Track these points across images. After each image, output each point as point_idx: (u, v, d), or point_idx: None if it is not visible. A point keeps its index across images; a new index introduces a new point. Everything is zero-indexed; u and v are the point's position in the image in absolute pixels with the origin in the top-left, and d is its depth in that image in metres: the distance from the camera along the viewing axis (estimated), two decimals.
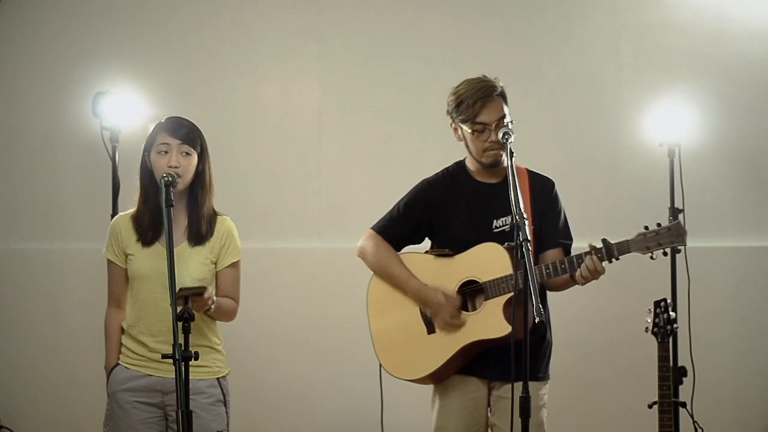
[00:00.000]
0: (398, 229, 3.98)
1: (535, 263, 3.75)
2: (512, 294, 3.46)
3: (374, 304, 4.02)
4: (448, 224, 3.90)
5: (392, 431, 4.51)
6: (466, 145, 3.88)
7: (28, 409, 5.69)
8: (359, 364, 5.66)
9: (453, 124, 3.89)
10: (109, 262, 3.73)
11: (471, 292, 3.83)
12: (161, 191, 3.50)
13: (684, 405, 4.98)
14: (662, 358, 4.41)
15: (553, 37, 5.80)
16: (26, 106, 5.80)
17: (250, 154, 5.80)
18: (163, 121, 3.69)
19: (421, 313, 3.89)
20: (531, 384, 3.74)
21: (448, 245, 3.88)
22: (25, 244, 5.77)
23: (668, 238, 3.64)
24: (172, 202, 3.42)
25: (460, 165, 3.98)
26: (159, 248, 3.65)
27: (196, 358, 3.35)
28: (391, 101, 5.80)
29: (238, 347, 5.55)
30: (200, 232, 3.65)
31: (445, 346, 3.81)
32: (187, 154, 3.63)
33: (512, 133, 3.65)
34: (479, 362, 3.82)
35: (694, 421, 5.05)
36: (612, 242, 3.66)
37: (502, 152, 3.80)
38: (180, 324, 3.28)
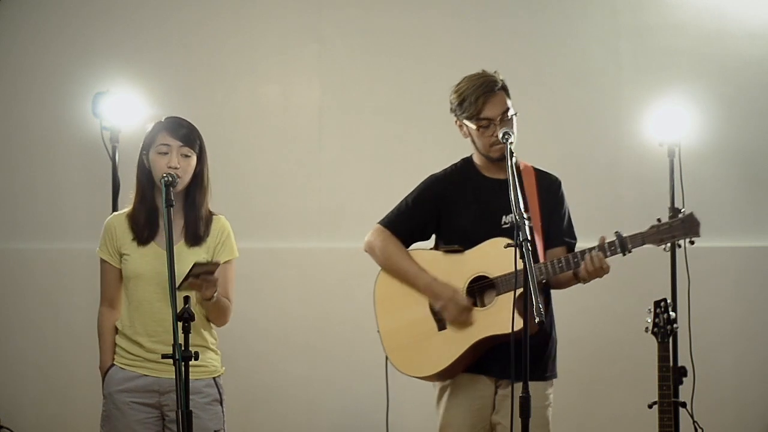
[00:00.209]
0: (406, 224, 3.97)
1: (543, 261, 3.76)
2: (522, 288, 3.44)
3: (382, 301, 3.99)
4: (456, 219, 3.89)
5: (394, 431, 4.49)
6: (473, 141, 3.89)
7: (28, 409, 5.69)
8: (359, 364, 5.68)
9: (458, 122, 3.89)
10: (103, 261, 3.71)
11: (481, 288, 3.81)
12: (161, 191, 3.50)
13: (684, 405, 4.98)
14: (662, 358, 4.41)
15: (553, 37, 5.80)
16: (26, 106, 5.80)
17: (250, 154, 5.80)
18: (163, 120, 3.68)
19: (431, 309, 3.87)
20: (537, 384, 3.79)
21: (456, 241, 3.87)
22: (25, 244, 5.77)
23: (682, 230, 3.64)
24: (173, 202, 3.41)
25: (468, 161, 3.98)
26: (155, 248, 3.65)
27: (196, 358, 3.35)
28: (391, 101, 5.80)
29: (238, 347, 5.57)
30: (197, 233, 3.64)
31: (457, 343, 3.79)
32: (187, 156, 3.62)
33: (512, 133, 3.65)
34: (489, 360, 3.80)
35: (694, 421, 5.05)
36: (625, 235, 3.66)
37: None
38: (180, 324, 3.27)
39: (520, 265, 3.31)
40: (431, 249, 3.97)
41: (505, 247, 3.53)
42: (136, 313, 3.65)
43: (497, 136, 3.75)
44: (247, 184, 5.77)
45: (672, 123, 5.38)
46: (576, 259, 3.70)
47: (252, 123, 5.83)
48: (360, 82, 5.82)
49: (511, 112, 3.82)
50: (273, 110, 5.85)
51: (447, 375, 3.87)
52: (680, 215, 3.69)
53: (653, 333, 4.40)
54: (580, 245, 3.89)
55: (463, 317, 3.79)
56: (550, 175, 3.96)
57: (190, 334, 3.28)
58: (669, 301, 4.43)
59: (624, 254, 3.66)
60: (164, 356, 3.28)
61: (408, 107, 5.79)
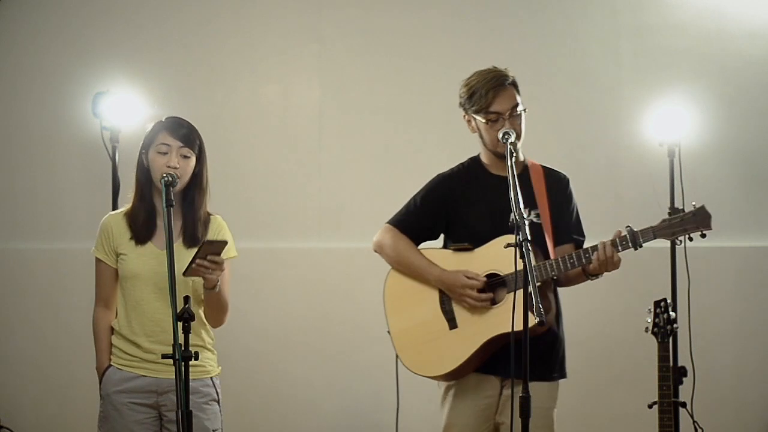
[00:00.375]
0: (415, 222, 3.96)
1: (553, 257, 3.76)
2: (537, 285, 3.43)
3: (392, 301, 3.97)
4: (465, 218, 3.89)
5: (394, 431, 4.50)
6: (481, 137, 3.88)
7: (28, 409, 5.69)
8: (359, 364, 5.68)
9: (466, 116, 3.89)
10: (98, 261, 3.69)
11: (493, 286, 3.81)
12: (161, 191, 3.49)
13: (684, 405, 4.98)
14: (662, 358, 4.40)
15: (553, 37, 5.80)
16: (26, 106, 5.81)
17: (250, 154, 5.80)
18: (163, 120, 3.68)
19: (442, 308, 3.86)
20: (542, 384, 3.79)
21: (465, 239, 3.87)
22: (25, 244, 5.77)
23: (693, 223, 3.63)
24: (172, 202, 3.41)
25: (475, 160, 3.98)
26: (152, 248, 3.64)
27: (197, 358, 3.35)
28: (391, 101, 5.80)
29: (238, 347, 5.58)
30: (195, 234, 3.63)
31: (468, 342, 3.78)
32: (186, 156, 3.62)
33: (512, 133, 3.64)
34: (494, 359, 3.78)
35: (694, 421, 5.05)
36: (636, 230, 3.65)
37: (516, 141, 3.80)
38: (180, 324, 3.27)
39: (521, 264, 3.30)
40: (441, 248, 3.97)
41: (505, 247, 3.53)
42: (134, 313, 3.64)
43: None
44: (247, 184, 5.77)
45: (672, 123, 5.38)
46: (587, 255, 3.69)
47: (252, 123, 5.83)
48: (360, 82, 5.82)
49: (520, 108, 3.82)
50: (273, 110, 5.85)
51: (458, 374, 3.85)
52: (692, 208, 3.67)
53: (653, 333, 4.40)
54: None
55: (480, 301, 3.76)
56: (558, 172, 3.96)
57: (190, 334, 3.27)
58: (669, 301, 4.42)
59: (635, 248, 3.65)
60: (164, 356, 3.27)
61: (408, 107, 5.79)
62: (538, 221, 3.82)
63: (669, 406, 4.45)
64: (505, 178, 3.53)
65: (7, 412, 5.65)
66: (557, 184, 3.92)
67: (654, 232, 3.65)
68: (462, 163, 4.00)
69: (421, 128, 5.78)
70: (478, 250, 3.85)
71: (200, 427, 3.56)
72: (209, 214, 3.72)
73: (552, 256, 3.78)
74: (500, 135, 3.65)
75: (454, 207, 3.92)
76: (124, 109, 5.30)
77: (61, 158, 5.77)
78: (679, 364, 5.20)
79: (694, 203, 3.69)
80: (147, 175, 3.65)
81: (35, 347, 5.71)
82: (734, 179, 5.72)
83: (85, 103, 5.43)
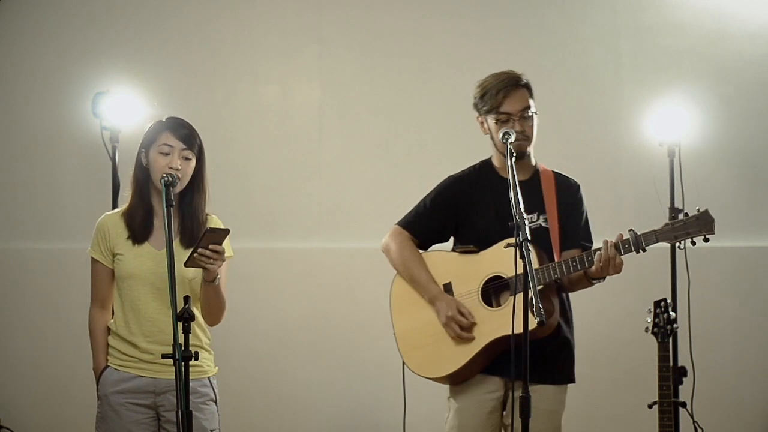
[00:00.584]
0: (424, 225, 3.97)
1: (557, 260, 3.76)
2: (540, 287, 3.42)
3: (397, 302, 3.99)
4: (474, 220, 3.90)
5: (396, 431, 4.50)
6: (492, 138, 3.88)
7: (28, 409, 5.69)
8: (359, 364, 5.68)
9: (479, 117, 3.89)
10: (95, 261, 3.68)
11: (496, 288, 3.81)
12: (159, 191, 3.50)
13: (684, 405, 4.98)
14: (662, 358, 4.40)
15: (553, 37, 5.80)
16: (26, 106, 5.81)
17: (250, 154, 5.80)
18: (164, 120, 3.67)
19: None
20: (548, 387, 3.80)
21: (474, 242, 3.87)
22: (25, 244, 5.77)
23: (696, 227, 3.61)
24: (172, 202, 3.40)
25: (486, 162, 3.98)
26: (148, 248, 3.63)
27: (196, 358, 3.34)
28: (391, 101, 5.80)
29: (237, 347, 5.58)
30: (193, 234, 3.61)
31: (471, 344, 3.79)
32: (188, 158, 3.61)
33: (512, 133, 3.63)
34: (501, 361, 3.77)
35: (694, 421, 5.05)
36: (639, 233, 3.65)
37: (526, 143, 3.82)
38: (180, 324, 3.26)
39: (521, 265, 3.30)
40: (450, 250, 3.97)
41: (505, 248, 3.53)
42: (131, 313, 3.63)
43: (516, 132, 3.76)
44: (247, 184, 5.77)
45: (672, 123, 5.38)
46: (590, 258, 3.68)
47: (252, 123, 5.83)
48: (360, 82, 5.82)
49: (531, 111, 3.82)
50: (273, 110, 5.85)
51: (460, 376, 3.85)
52: (696, 212, 3.66)
53: (653, 333, 4.40)
54: None
55: (465, 336, 3.79)
56: (569, 178, 3.96)
57: (190, 334, 3.27)
58: (669, 301, 4.43)
59: (638, 252, 3.64)
60: (164, 356, 3.26)
61: (408, 107, 5.79)
62: (546, 226, 3.82)
63: (669, 406, 4.45)
64: (518, 182, 3.53)
65: (7, 412, 5.65)
66: (567, 189, 3.92)
67: (657, 236, 3.64)
68: (473, 166, 4.00)
69: (421, 128, 5.78)
70: (483, 253, 3.85)
71: (198, 427, 3.56)
72: (207, 215, 3.71)
73: (557, 260, 3.77)
74: (500, 135, 3.64)
75: (463, 209, 3.92)
76: (124, 109, 5.30)
77: (61, 158, 5.77)
78: (679, 364, 5.20)
79: (698, 208, 3.67)
80: (146, 174, 3.63)
81: (35, 347, 5.71)
82: (734, 179, 5.72)
83: (85, 103, 5.43)
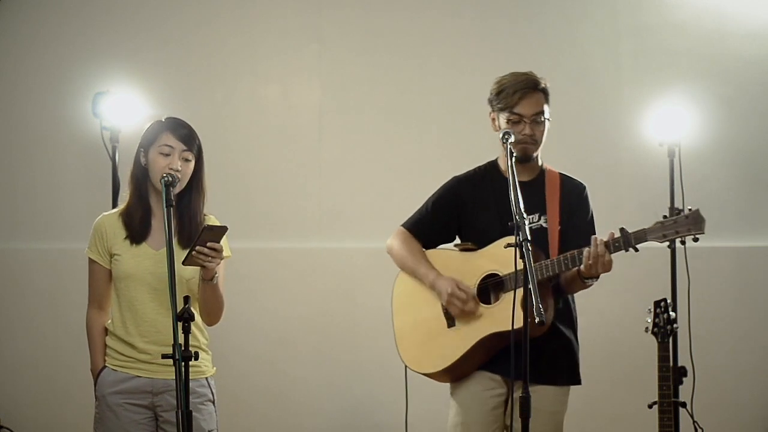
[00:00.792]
0: (427, 225, 3.99)
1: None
2: (530, 285, 3.43)
3: (398, 300, 4.02)
4: (476, 221, 3.90)
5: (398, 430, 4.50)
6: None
7: (28, 409, 5.69)
8: (358, 364, 5.68)
9: (492, 114, 3.89)
10: (92, 261, 3.67)
11: (493, 286, 3.82)
12: (158, 190, 3.50)
13: (684, 405, 4.98)
14: (662, 358, 4.41)
15: (553, 38, 5.80)
16: (26, 106, 5.81)
17: (250, 154, 5.80)
18: (164, 120, 3.66)
19: (443, 308, 3.88)
20: (550, 388, 3.79)
21: (476, 242, 3.88)
22: (25, 244, 5.77)
23: (686, 226, 3.59)
24: (172, 202, 3.40)
25: (492, 164, 3.98)
26: (146, 248, 3.62)
27: (196, 358, 3.33)
28: (392, 101, 5.80)
29: (237, 348, 5.58)
30: (191, 235, 3.60)
31: (463, 339, 3.80)
32: (187, 160, 3.61)
33: (512, 133, 3.64)
34: (503, 360, 3.74)
35: (694, 421, 5.05)
36: (630, 231, 3.65)
37: (533, 147, 3.82)
38: (180, 324, 3.26)
39: (521, 264, 3.30)
40: (448, 249, 4.00)
41: (505, 247, 3.53)
42: (128, 314, 3.62)
43: (523, 135, 3.77)
44: (247, 184, 5.77)
45: (672, 123, 5.38)
46: (581, 256, 3.68)
47: (252, 123, 5.83)
48: (360, 82, 5.82)
49: (545, 116, 3.83)
50: (273, 110, 5.85)
51: (454, 372, 3.86)
52: (685, 212, 3.66)
53: (653, 333, 4.41)
54: None
55: (469, 308, 3.78)
56: (575, 180, 3.96)
57: (189, 334, 3.27)
58: (669, 301, 4.43)
59: (627, 250, 3.63)
60: (164, 356, 3.26)
61: (408, 107, 5.79)
62: (546, 226, 3.82)
63: (669, 406, 4.46)
64: (520, 183, 3.53)
65: (7, 412, 5.65)
66: (572, 191, 3.91)
67: (647, 234, 3.62)
68: (479, 166, 4.01)
69: (421, 128, 5.78)
70: (482, 250, 3.86)
71: (196, 427, 3.55)
72: (204, 215, 3.71)
73: None
74: (500, 135, 3.65)
75: (465, 210, 3.94)
76: (124, 109, 5.30)
77: (61, 158, 5.77)
78: (679, 364, 5.20)
79: (689, 207, 3.67)
80: (145, 174, 3.63)
81: (35, 347, 5.71)
82: (734, 179, 5.72)
83: (85, 103, 5.43)
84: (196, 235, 3.50)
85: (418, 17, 5.81)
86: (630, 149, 5.70)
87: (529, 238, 3.31)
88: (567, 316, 3.88)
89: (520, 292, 3.61)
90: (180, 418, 3.21)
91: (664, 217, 3.62)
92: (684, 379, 5.18)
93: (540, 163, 3.93)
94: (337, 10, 5.84)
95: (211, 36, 5.83)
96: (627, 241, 3.62)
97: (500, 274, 3.79)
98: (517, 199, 3.39)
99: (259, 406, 5.69)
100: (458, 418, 3.88)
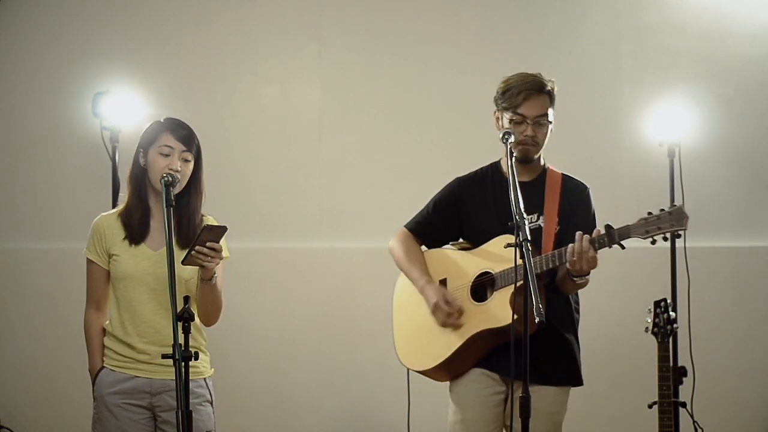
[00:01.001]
0: (429, 226, 4.00)
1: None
2: (520, 283, 3.44)
3: (398, 300, 4.05)
4: (476, 221, 3.91)
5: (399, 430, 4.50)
6: None
7: (28, 409, 5.69)
8: (359, 364, 5.68)
9: (496, 113, 3.89)
10: (90, 262, 3.67)
11: (484, 284, 3.83)
12: (158, 191, 3.50)
13: (684, 405, 4.98)
14: (662, 358, 4.41)
15: (554, 38, 5.80)
16: (26, 106, 5.81)
17: (250, 155, 5.80)
18: (163, 120, 3.66)
19: None
20: (549, 389, 3.79)
21: (477, 242, 3.88)
22: (25, 244, 5.77)
23: (668, 221, 3.57)
24: (172, 202, 3.39)
25: (494, 165, 3.99)
26: (145, 249, 3.62)
27: (196, 358, 3.33)
28: (392, 101, 5.80)
29: (237, 348, 5.58)
30: (189, 235, 3.59)
31: (456, 337, 3.81)
32: (187, 160, 3.61)
33: (512, 133, 3.64)
34: (502, 359, 3.75)
35: (694, 421, 5.05)
36: (614, 228, 3.64)
37: (534, 149, 3.82)
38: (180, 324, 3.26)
39: (518, 261, 3.32)
40: (447, 247, 4.02)
41: (505, 247, 3.54)
42: (127, 314, 3.62)
43: (525, 135, 3.77)
44: (247, 184, 5.77)
45: (672, 123, 5.38)
46: (555, 257, 3.68)
47: (252, 123, 5.83)
48: (360, 82, 5.82)
49: (549, 119, 3.84)
50: (273, 110, 5.85)
51: (449, 370, 3.87)
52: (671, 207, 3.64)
53: (653, 333, 4.41)
54: None
55: (451, 321, 3.81)
56: (576, 180, 3.96)
57: (190, 335, 3.27)
58: (669, 301, 4.42)
59: (610, 246, 3.62)
60: (164, 356, 3.26)
61: (408, 107, 5.79)
62: (542, 225, 3.82)
63: (669, 406, 4.45)
64: (520, 183, 3.53)
65: (7, 412, 5.65)
66: (573, 191, 3.91)
67: (630, 231, 3.60)
68: (481, 168, 4.01)
69: (421, 128, 5.79)
70: (477, 249, 3.88)
71: (194, 427, 3.53)
72: (202, 215, 3.71)
73: None
74: (500, 135, 3.64)
75: (465, 211, 3.94)
76: (124, 109, 5.30)
77: (61, 158, 5.77)
78: (679, 364, 5.20)
79: (674, 203, 3.66)
80: (144, 174, 3.63)
81: (35, 347, 5.71)
82: (734, 179, 5.72)
83: (85, 103, 5.43)
84: (194, 236, 3.49)
85: (418, 17, 5.82)
86: (630, 149, 5.70)
87: (529, 238, 3.31)
88: (567, 316, 3.87)
89: (509, 290, 3.64)
90: (180, 418, 3.20)
91: (649, 213, 3.61)
92: (684, 379, 5.18)
93: (542, 163, 3.93)
94: (337, 10, 5.84)
95: (211, 36, 5.83)
96: (611, 237, 3.61)
97: (493, 272, 3.80)
98: (517, 199, 3.40)
99: (259, 406, 5.69)
100: (457, 416, 3.89)
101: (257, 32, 5.84)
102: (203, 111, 5.57)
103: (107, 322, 3.69)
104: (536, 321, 3.18)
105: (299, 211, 5.80)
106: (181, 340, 3.22)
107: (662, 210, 3.57)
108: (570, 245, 3.62)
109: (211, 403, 3.69)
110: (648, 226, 3.57)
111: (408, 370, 3.98)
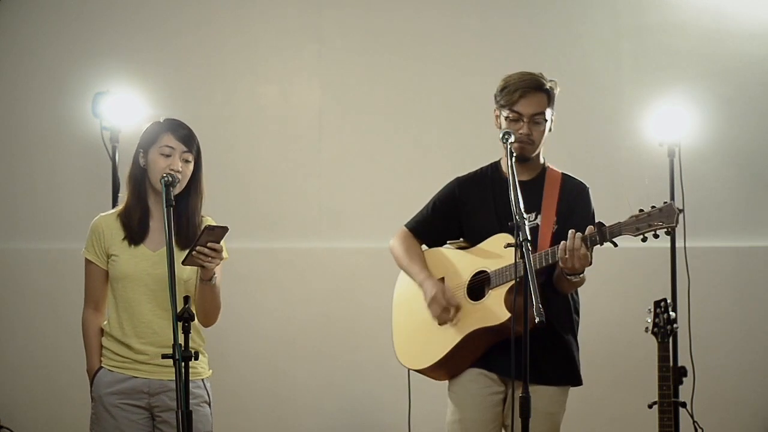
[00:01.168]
0: (429, 226, 4.01)
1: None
2: (513, 282, 3.44)
3: (397, 299, 4.06)
4: (475, 220, 3.91)
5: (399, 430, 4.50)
6: None
7: (28, 409, 5.69)
8: (359, 364, 5.68)
9: (495, 110, 3.90)
10: (89, 262, 3.67)
11: (481, 283, 3.83)
12: (158, 191, 3.51)
13: (684, 405, 4.98)
14: (662, 358, 4.41)
15: (554, 38, 5.80)
16: (26, 106, 5.80)
17: (250, 154, 5.80)
18: (162, 121, 3.66)
19: None
20: (548, 388, 3.79)
21: (477, 242, 3.88)
22: (25, 244, 5.77)
23: (659, 219, 3.56)
24: (173, 202, 3.39)
25: (494, 165, 3.99)
26: (144, 249, 3.62)
27: (196, 358, 3.32)
28: (392, 101, 5.80)
29: (237, 348, 5.58)
30: (189, 236, 3.59)
31: (451, 335, 3.81)
32: (187, 161, 3.61)
33: (512, 133, 3.64)
34: (500, 358, 3.76)
35: (694, 421, 5.05)
36: (605, 225, 3.63)
37: (530, 147, 3.82)
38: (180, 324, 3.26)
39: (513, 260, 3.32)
40: (445, 247, 4.02)
41: (505, 247, 3.54)
42: (125, 314, 3.62)
43: (521, 134, 3.77)
44: (247, 184, 5.77)
45: (672, 123, 5.38)
46: (548, 255, 3.68)
47: (252, 123, 5.83)
48: (360, 82, 5.82)
49: (546, 117, 3.84)
50: (273, 110, 5.85)
51: (446, 368, 3.87)
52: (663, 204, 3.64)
53: (653, 333, 4.41)
54: None
55: (445, 316, 3.81)
56: (576, 180, 3.95)
57: (189, 335, 3.27)
58: (669, 301, 4.42)
59: (602, 244, 3.61)
60: (164, 356, 3.26)
61: (408, 107, 5.79)
62: (539, 224, 3.82)
63: (669, 406, 4.46)
64: (518, 182, 3.53)
65: (7, 412, 5.65)
66: (572, 191, 3.91)
67: (622, 228, 3.59)
68: (481, 168, 4.01)
69: (421, 128, 5.78)
70: (474, 248, 3.88)
71: (192, 428, 3.55)
72: (202, 216, 3.70)
73: None
74: (500, 134, 3.65)
75: (465, 210, 3.95)
76: (124, 109, 5.30)
77: (61, 158, 5.76)
78: (679, 364, 5.20)
79: (665, 201, 3.66)
80: (143, 175, 3.63)
81: (35, 347, 5.71)
82: (734, 179, 5.72)
83: (85, 103, 5.43)
84: (194, 237, 3.50)
85: (418, 17, 5.81)
86: (630, 149, 5.70)
87: (529, 238, 3.31)
88: (565, 316, 3.87)
89: (503, 289, 3.64)
90: (180, 418, 3.20)
91: (640, 210, 3.61)
92: (684, 379, 5.18)
93: (542, 162, 3.93)
94: (337, 10, 5.84)
95: (211, 36, 5.83)
96: (603, 235, 3.61)
97: (488, 271, 3.80)
98: (517, 199, 3.40)
99: (259, 406, 5.69)
100: (455, 416, 3.89)
101: (257, 32, 5.84)
102: (203, 111, 5.57)
103: (105, 322, 3.69)
104: (536, 321, 3.18)
105: (299, 211, 5.79)
106: (180, 340, 3.22)
107: (653, 207, 3.57)
108: (562, 242, 3.62)
109: (209, 405, 3.69)
110: (639, 224, 3.57)
111: (408, 369, 3.98)
